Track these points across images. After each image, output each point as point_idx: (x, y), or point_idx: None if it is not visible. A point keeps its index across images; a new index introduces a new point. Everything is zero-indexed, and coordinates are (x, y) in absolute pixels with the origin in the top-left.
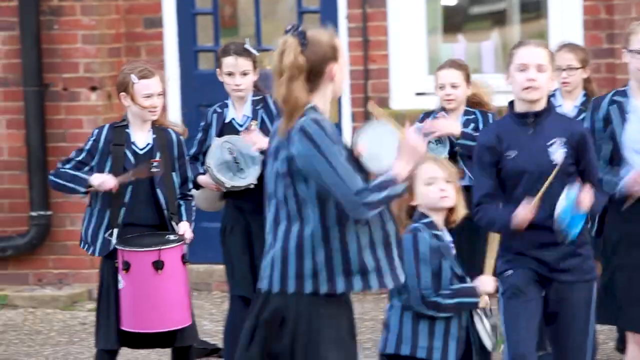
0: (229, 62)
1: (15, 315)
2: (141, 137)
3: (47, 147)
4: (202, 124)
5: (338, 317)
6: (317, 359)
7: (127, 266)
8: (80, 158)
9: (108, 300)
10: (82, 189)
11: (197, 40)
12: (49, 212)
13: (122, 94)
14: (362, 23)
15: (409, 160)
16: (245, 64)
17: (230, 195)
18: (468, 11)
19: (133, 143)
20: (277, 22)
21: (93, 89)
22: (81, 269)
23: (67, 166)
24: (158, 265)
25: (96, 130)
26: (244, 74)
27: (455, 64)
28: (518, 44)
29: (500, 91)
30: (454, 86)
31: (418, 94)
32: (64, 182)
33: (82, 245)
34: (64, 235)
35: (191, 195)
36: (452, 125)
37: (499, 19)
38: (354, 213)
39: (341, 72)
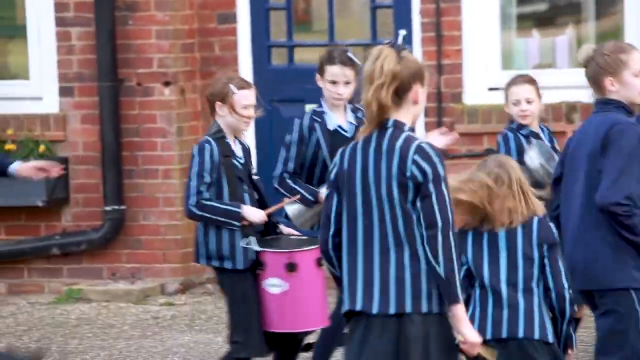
0: (334, 71)
1: (89, 309)
2: (236, 147)
3: (121, 142)
4: (294, 137)
5: None
6: None
7: (292, 267)
8: (207, 181)
9: (250, 309)
10: (237, 223)
11: (270, 35)
12: (122, 207)
13: (219, 103)
14: (435, 18)
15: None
16: (349, 73)
17: None
18: (542, 5)
19: (233, 152)
20: (350, 18)
21: (166, 84)
22: (154, 263)
23: (206, 196)
24: (320, 262)
25: (207, 146)
26: (347, 82)
27: (528, 79)
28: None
29: (573, 86)
30: (528, 101)
31: (491, 89)
32: (217, 217)
33: (205, 261)
34: (137, 230)
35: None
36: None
37: (573, 13)
38: None
39: (424, 98)
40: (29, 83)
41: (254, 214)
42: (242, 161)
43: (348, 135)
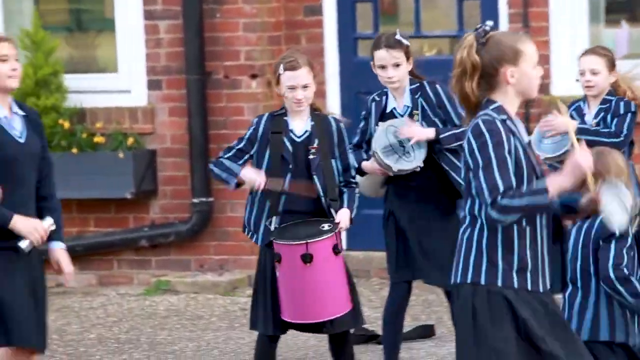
0: (380, 55)
1: (178, 301)
2: (299, 125)
3: (208, 134)
4: (363, 112)
5: None
6: None
7: (278, 258)
8: (240, 146)
9: (265, 288)
10: (233, 182)
11: (357, 27)
12: (210, 199)
13: (274, 82)
14: (522, 9)
15: (569, 178)
16: (397, 55)
17: (394, 181)
18: None
19: (291, 131)
20: (436, 10)
21: (253, 76)
22: (242, 255)
23: (227, 155)
24: (306, 258)
25: (256, 119)
26: (396, 65)
27: (597, 51)
28: None
29: None
30: (594, 73)
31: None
32: (219, 172)
33: (245, 232)
34: (225, 222)
35: (355, 183)
36: (567, 122)
37: None
38: (486, 215)
39: (521, 77)
40: (117, 76)
41: (249, 176)
42: (298, 140)
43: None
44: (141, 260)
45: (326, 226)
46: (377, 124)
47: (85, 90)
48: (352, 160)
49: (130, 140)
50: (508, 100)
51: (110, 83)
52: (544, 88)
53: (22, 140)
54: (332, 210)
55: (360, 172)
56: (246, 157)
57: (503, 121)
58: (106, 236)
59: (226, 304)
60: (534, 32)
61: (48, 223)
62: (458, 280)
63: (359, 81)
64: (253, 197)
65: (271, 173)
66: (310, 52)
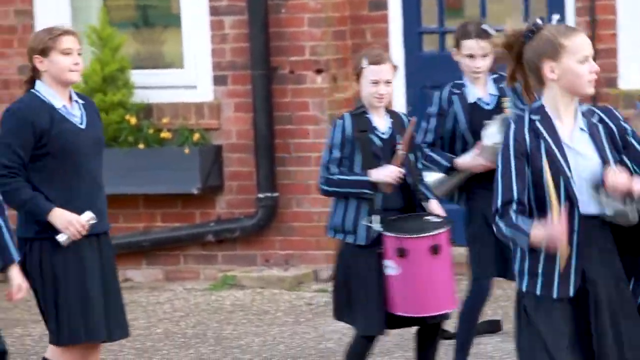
0: (470, 44)
1: (243, 296)
2: (381, 122)
3: (274, 129)
4: (434, 109)
5: None
6: None
7: (402, 252)
8: (337, 155)
9: (367, 287)
10: (369, 191)
11: (422, 21)
12: (275, 194)
13: (355, 77)
14: (590, 2)
15: (545, 241)
16: (485, 45)
17: (476, 179)
18: None
19: (375, 128)
20: (502, 3)
21: (318, 71)
22: (307, 250)
23: (334, 170)
24: (435, 250)
25: (338, 121)
26: (484, 55)
27: None
28: None
29: None
30: None
31: None
32: (345, 190)
33: (336, 235)
34: (290, 217)
35: (421, 176)
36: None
37: None
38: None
39: (564, 72)
40: (183, 72)
41: (382, 173)
42: (384, 137)
43: (489, 107)
44: (207, 255)
45: (433, 218)
46: (466, 117)
47: (151, 86)
48: (419, 155)
49: (196, 136)
50: (553, 97)
51: (177, 79)
52: (612, 82)
53: (82, 126)
54: (423, 204)
55: (448, 170)
56: (345, 162)
57: (532, 122)
58: (173, 231)
59: (292, 299)
60: (601, 25)
61: (87, 217)
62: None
63: (424, 76)
64: (345, 198)
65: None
66: (376, 46)
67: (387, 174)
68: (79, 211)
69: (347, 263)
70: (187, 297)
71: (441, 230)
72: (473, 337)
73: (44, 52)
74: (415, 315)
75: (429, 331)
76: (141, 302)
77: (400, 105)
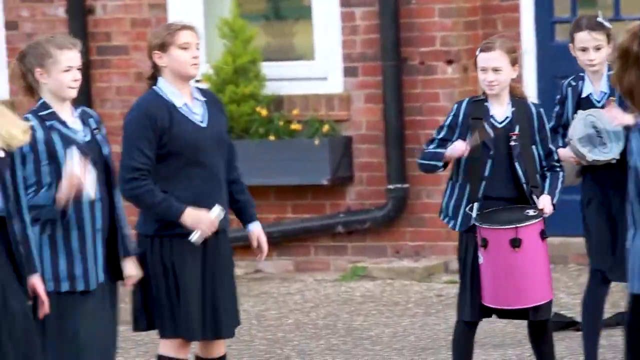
0: (582, 37)
1: (374, 287)
2: (499, 111)
3: (404, 120)
4: (558, 97)
5: None
6: None
7: (484, 243)
8: (442, 135)
9: (465, 274)
10: (440, 163)
11: (554, 11)
12: (405, 185)
13: (474, 65)
14: None
15: None
16: (599, 38)
17: (589, 170)
18: None
19: (492, 117)
20: None
21: (449, 62)
22: (437, 241)
23: (431, 146)
24: (515, 243)
25: (456, 105)
26: (598, 48)
27: None
28: None
29: None
30: None
31: None
32: (426, 162)
33: (442, 217)
34: (420, 208)
35: (560, 166)
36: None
37: None
38: None
39: None
40: (314, 64)
41: (454, 148)
42: (499, 125)
43: (599, 104)
44: (337, 246)
45: (531, 212)
46: (573, 110)
47: (282, 78)
48: (551, 145)
49: (326, 128)
50: None
51: (307, 71)
52: None
53: (203, 125)
54: (534, 197)
55: None
56: (449, 145)
57: None
58: (303, 222)
59: (422, 290)
60: None
61: (215, 213)
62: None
63: (556, 65)
64: (454, 183)
65: (473, 159)
66: (507, 37)
67: (457, 148)
68: (202, 207)
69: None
70: (318, 288)
71: (525, 224)
72: (599, 327)
73: (163, 47)
74: (497, 307)
75: (537, 327)
76: (272, 293)
77: (531, 95)
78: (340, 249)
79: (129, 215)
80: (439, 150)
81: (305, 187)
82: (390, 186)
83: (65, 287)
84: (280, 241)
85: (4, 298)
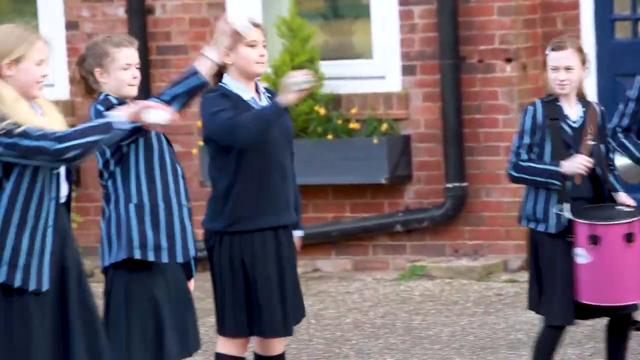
0: None
1: (433, 286)
2: (572, 111)
3: (462, 119)
4: (633, 93)
5: None
6: None
7: (595, 240)
8: (528, 141)
9: (555, 277)
10: (558, 182)
11: (614, 8)
12: (464, 184)
13: (543, 65)
14: None
15: None
16: None
17: None
18: None
19: (566, 117)
20: None
21: (508, 60)
22: (496, 240)
23: (523, 157)
24: (630, 237)
25: (530, 107)
26: None
27: None
28: None
29: None
30: None
31: None
32: (532, 177)
33: (527, 223)
34: (479, 207)
35: (614, 167)
36: None
37: None
38: None
39: None
40: (372, 62)
41: (571, 165)
42: (575, 125)
43: None
44: (396, 245)
45: (624, 208)
46: None
47: (340, 77)
48: (611, 144)
49: (385, 126)
50: None
51: (365, 69)
52: None
53: None
54: (613, 195)
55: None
56: (536, 150)
57: None
58: (361, 221)
59: (481, 289)
60: None
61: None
62: None
63: (616, 64)
64: (535, 187)
65: (554, 160)
66: (566, 34)
67: (577, 165)
68: (271, 202)
69: (538, 252)
70: (376, 287)
71: (635, 219)
72: None
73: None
74: (605, 305)
75: (620, 322)
76: (330, 292)
77: (591, 94)
78: (399, 248)
79: (196, 214)
80: (549, 167)
81: (363, 186)
82: (449, 185)
83: (151, 256)
84: (338, 240)
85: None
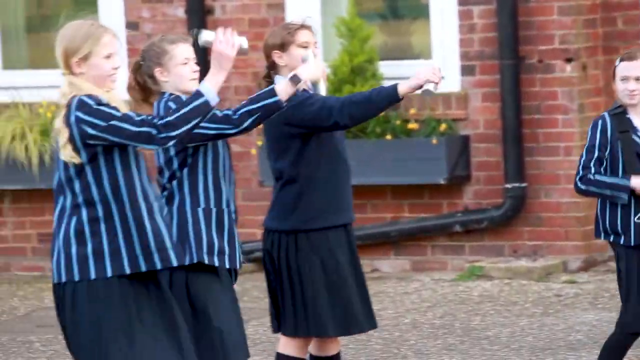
0: None
1: (491, 287)
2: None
3: (522, 119)
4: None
5: None
6: None
7: None
8: (598, 154)
9: (636, 284)
10: (625, 197)
11: None
12: (523, 184)
13: (612, 76)
14: None
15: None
16: None
17: None
18: None
19: (636, 128)
20: None
21: (568, 60)
22: (556, 240)
23: (594, 171)
24: None
25: (599, 121)
26: None
27: None
28: None
29: None
30: None
31: None
32: (600, 190)
33: (604, 237)
34: (538, 207)
35: None
36: None
37: None
38: None
39: None
40: (431, 62)
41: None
42: None
43: None
44: (455, 245)
45: None
46: None
47: (399, 77)
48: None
49: (443, 127)
50: None
51: None
52: None
53: None
54: None
55: None
56: (607, 163)
57: None
58: (420, 222)
59: (540, 290)
60: None
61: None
62: None
63: None
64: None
65: (630, 173)
66: (627, 34)
67: None
68: (342, 199)
69: (620, 264)
70: (435, 288)
71: None
72: None
73: (283, 46)
74: None
75: None
76: (389, 292)
77: None
78: (458, 248)
79: (255, 214)
80: (618, 181)
81: (422, 186)
82: (508, 185)
83: (217, 261)
84: (397, 241)
85: None
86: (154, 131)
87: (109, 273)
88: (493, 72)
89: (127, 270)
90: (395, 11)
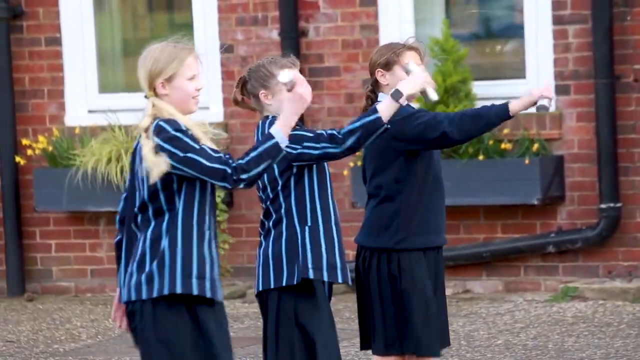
0: None
1: (585, 307)
2: None
3: (617, 139)
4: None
5: None
6: None
7: None
8: None
9: None
10: None
11: None
12: (618, 204)
13: None
14: None
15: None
16: None
17: None
18: None
19: None
20: None
21: None
22: None
23: None
24: None
25: None
26: None
27: None
28: None
29: None
30: None
31: None
32: None
33: None
34: (634, 228)
35: None
36: None
37: None
38: None
39: None
40: (525, 82)
41: None
42: None
43: None
44: (548, 266)
45: None
46: None
47: (493, 97)
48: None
49: (536, 146)
50: None
51: (518, 89)
52: None
53: None
54: None
55: None
56: None
57: None
58: (513, 242)
59: (635, 311)
60: None
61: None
62: None
63: None
64: None
65: None
66: None
67: None
68: (437, 220)
69: None
70: (528, 309)
71: None
72: None
73: (387, 66)
74: None
75: None
76: (481, 313)
77: None
78: (551, 269)
79: (347, 235)
80: None
81: (515, 206)
82: (603, 205)
83: (325, 277)
84: (489, 261)
85: None
86: (229, 170)
87: None
88: (588, 91)
89: None
90: (489, 31)
